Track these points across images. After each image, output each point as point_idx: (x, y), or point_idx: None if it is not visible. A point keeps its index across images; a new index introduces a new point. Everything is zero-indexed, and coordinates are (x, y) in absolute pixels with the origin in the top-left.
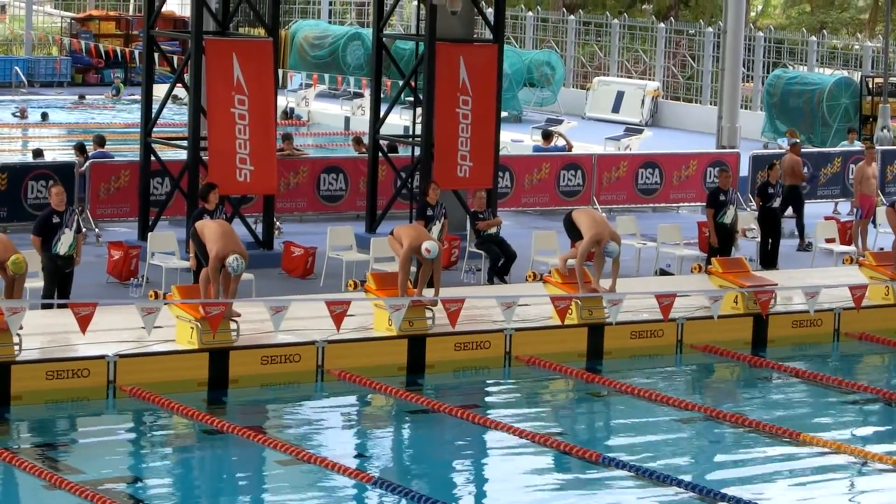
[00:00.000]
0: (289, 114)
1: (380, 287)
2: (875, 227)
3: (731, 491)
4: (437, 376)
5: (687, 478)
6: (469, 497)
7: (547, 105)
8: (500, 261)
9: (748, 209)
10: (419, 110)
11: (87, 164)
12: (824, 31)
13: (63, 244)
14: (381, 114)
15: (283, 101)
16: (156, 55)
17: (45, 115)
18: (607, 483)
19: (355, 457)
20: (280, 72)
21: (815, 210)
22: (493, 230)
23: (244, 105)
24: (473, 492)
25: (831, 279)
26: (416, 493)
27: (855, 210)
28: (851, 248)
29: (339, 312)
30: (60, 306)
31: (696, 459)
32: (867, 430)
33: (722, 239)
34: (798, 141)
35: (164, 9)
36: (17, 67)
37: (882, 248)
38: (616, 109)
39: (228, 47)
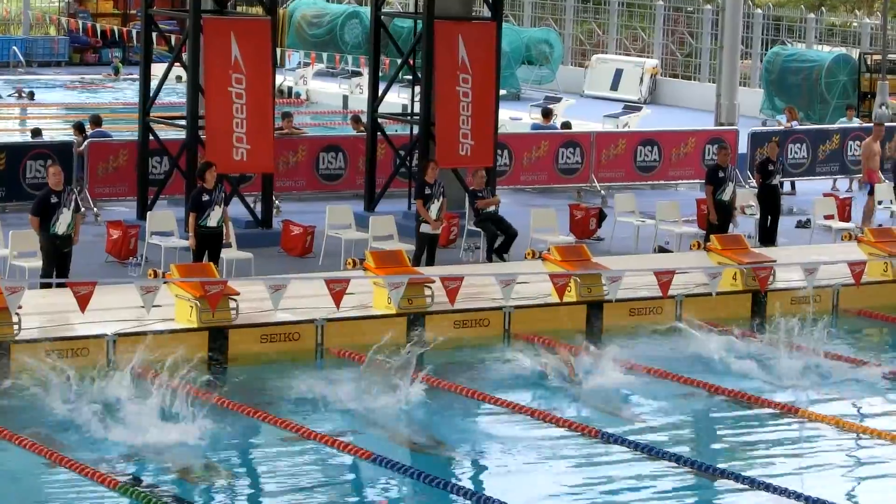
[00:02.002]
0: (287, 93)
1: (379, 265)
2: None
3: (729, 465)
4: (436, 353)
5: (686, 452)
6: (468, 473)
7: (545, 83)
8: (499, 239)
9: (747, 186)
10: (418, 89)
11: (85, 143)
12: (822, 8)
13: (61, 224)
14: (380, 92)
15: (281, 80)
16: (154, 34)
17: (31, 95)
18: (606, 458)
19: (354, 434)
20: (278, 50)
21: (813, 187)
22: (491, 208)
23: (242, 84)
24: (473, 469)
25: (830, 256)
26: (414, 469)
27: (864, 185)
28: (850, 224)
29: (338, 290)
30: (59, 286)
31: (695, 434)
32: (865, 405)
33: (721, 216)
34: None
35: None
36: (14, 47)
37: (881, 225)
38: (614, 87)
39: (226, 26)
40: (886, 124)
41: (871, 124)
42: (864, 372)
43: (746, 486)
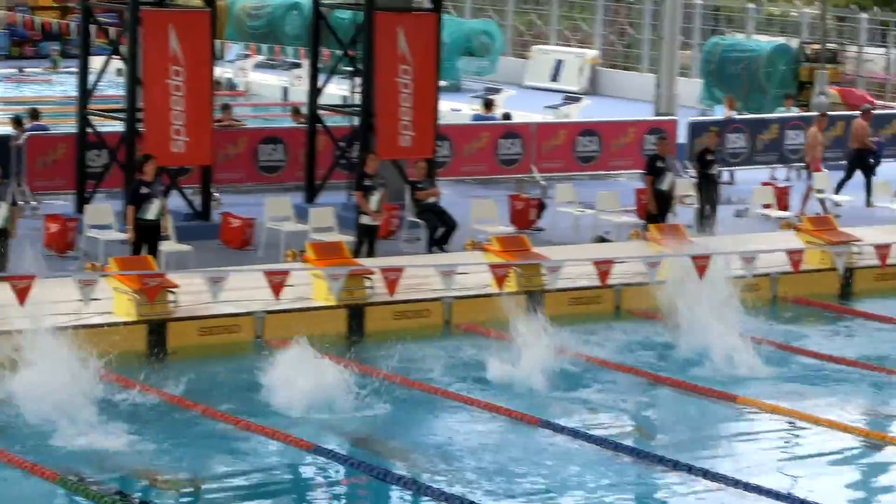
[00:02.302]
0: (226, 85)
1: (318, 257)
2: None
3: (668, 453)
4: (375, 345)
5: (628, 442)
6: (412, 463)
7: (486, 74)
8: (439, 230)
9: (686, 176)
10: (358, 80)
11: (23, 136)
12: None
13: None
14: (320, 84)
15: (220, 72)
16: (92, 27)
17: None
18: (547, 447)
19: (295, 425)
20: (217, 42)
21: (751, 176)
22: (432, 199)
23: (180, 76)
24: (417, 458)
25: (768, 244)
26: (355, 460)
27: (806, 174)
28: (788, 213)
29: (277, 282)
30: None
31: (635, 422)
32: (804, 393)
33: (660, 205)
34: (870, 107)
35: None
36: None
37: (818, 213)
38: (555, 78)
39: (165, 18)
40: (829, 113)
41: (810, 114)
42: (804, 360)
43: (685, 473)
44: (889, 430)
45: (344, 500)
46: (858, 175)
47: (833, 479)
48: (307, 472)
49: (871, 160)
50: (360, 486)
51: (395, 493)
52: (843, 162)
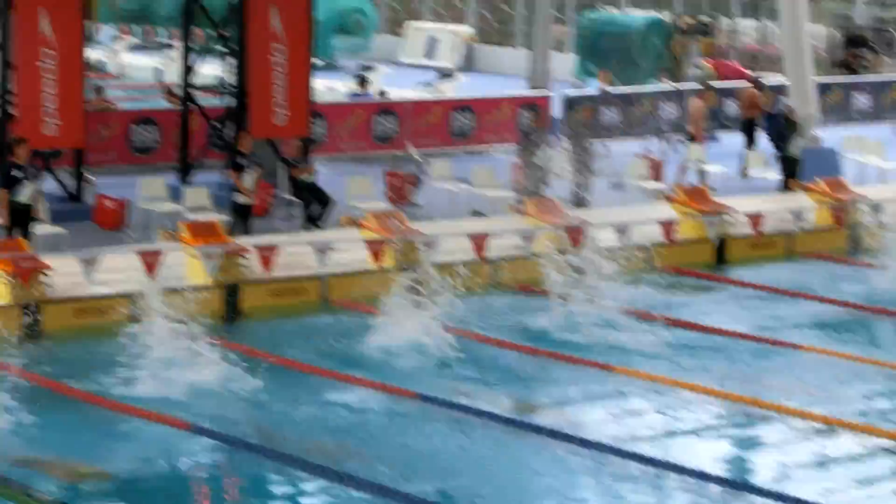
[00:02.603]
0: (98, 67)
1: (194, 236)
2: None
3: (550, 424)
4: (253, 323)
5: (497, 411)
6: (291, 441)
7: (360, 52)
8: (315, 207)
9: (560, 150)
10: (231, 60)
11: None
12: None
13: None
14: (193, 64)
15: (92, 54)
16: None
17: None
18: (424, 419)
19: (173, 405)
20: (89, 25)
21: (626, 149)
22: (307, 177)
23: (52, 59)
24: (299, 436)
25: (643, 215)
26: (234, 437)
27: (684, 144)
28: (663, 184)
29: (151, 262)
30: None
31: (511, 393)
32: (680, 362)
33: (534, 179)
34: (760, 78)
35: None
36: None
37: (692, 184)
38: (429, 55)
39: (36, 1)
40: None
41: (684, 86)
42: (675, 330)
43: (563, 442)
44: (763, 397)
45: (222, 481)
46: (731, 145)
47: (710, 446)
48: (185, 453)
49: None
50: (238, 467)
51: (274, 472)
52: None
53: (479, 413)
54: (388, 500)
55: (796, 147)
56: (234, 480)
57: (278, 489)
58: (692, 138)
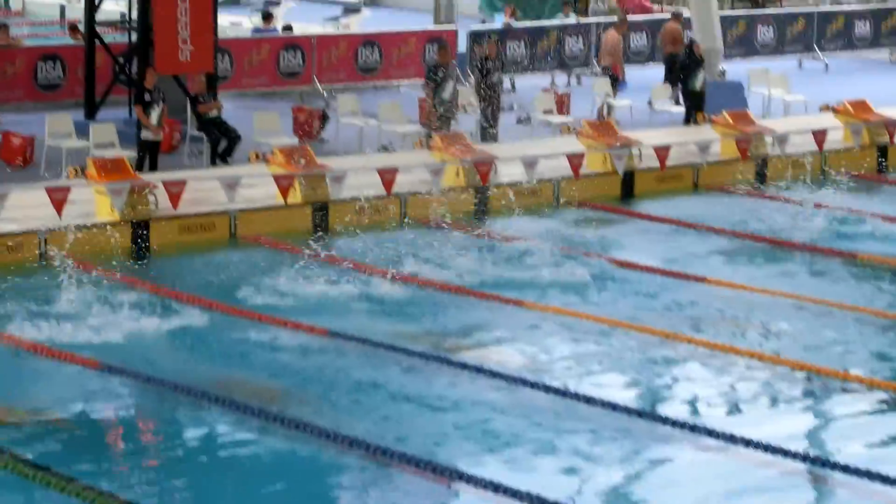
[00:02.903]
0: (2, 4)
1: (101, 173)
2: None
3: (462, 357)
4: (162, 260)
5: (417, 347)
6: (207, 379)
7: None
8: (222, 143)
9: (467, 84)
10: None
11: None
12: None
13: None
14: (97, 1)
15: None
16: None
17: None
18: (332, 352)
19: (84, 346)
20: None
21: (531, 83)
22: (213, 113)
23: None
24: (211, 373)
25: (550, 149)
26: (141, 374)
27: (602, 76)
28: (569, 118)
29: (59, 199)
30: None
31: (417, 327)
32: (589, 295)
33: (442, 114)
34: (679, 12)
35: None
36: None
37: (606, 116)
38: None
39: None
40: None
41: (588, 20)
42: (586, 262)
43: (473, 373)
44: (672, 329)
45: (135, 420)
46: (636, 79)
47: (620, 378)
48: (98, 392)
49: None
50: (151, 405)
51: (188, 410)
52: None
53: (392, 348)
54: (305, 434)
55: (701, 80)
56: (147, 420)
57: (192, 427)
58: (608, 70)
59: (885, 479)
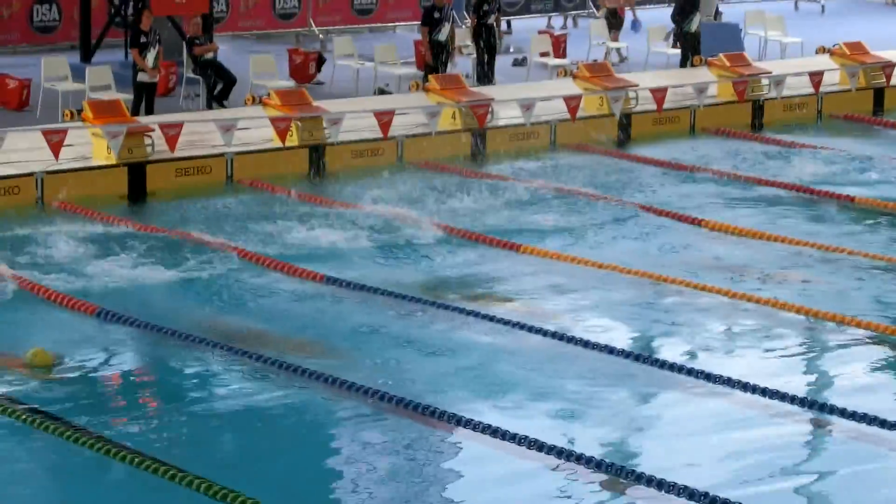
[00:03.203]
0: None
1: (97, 116)
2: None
3: (452, 301)
4: (159, 203)
5: (414, 293)
6: (194, 317)
7: None
8: (218, 85)
9: (463, 26)
10: None
11: None
12: None
13: None
14: None
15: None
16: None
17: None
18: (329, 298)
19: (81, 289)
20: None
21: (527, 25)
22: (209, 55)
23: None
24: (209, 317)
25: (546, 92)
26: (139, 320)
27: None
28: (565, 60)
29: (55, 142)
30: None
31: (413, 271)
32: (587, 238)
33: (438, 56)
34: None
35: None
36: None
37: (596, 60)
38: None
39: None
40: None
41: None
42: (581, 203)
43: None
44: (666, 271)
45: (134, 366)
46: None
47: (617, 322)
48: (96, 338)
49: None
50: (152, 351)
51: (188, 355)
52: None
53: (389, 294)
54: (302, 378)
55: (696, 23)
56: (144, 365)
57: (188, 372)
58: (613, 13)
59: (883, 423)
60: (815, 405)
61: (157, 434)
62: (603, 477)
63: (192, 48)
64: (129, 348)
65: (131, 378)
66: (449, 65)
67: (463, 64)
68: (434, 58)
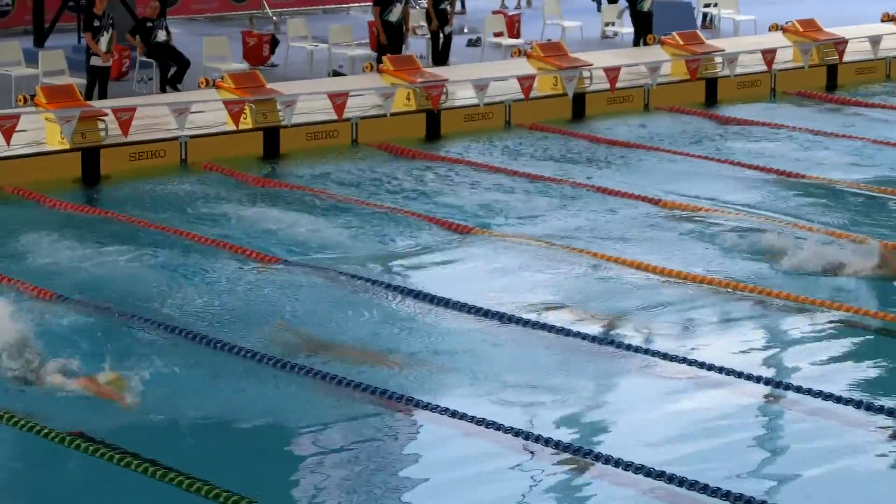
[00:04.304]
0: None
1: (50, 100)
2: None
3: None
4: (113, 187)
5: (369, 273)
6: (158, 303)
7: None
8: (172, 69)
9: (417, 7)
10: None
11: None
12: None
13: None
14: None
15: None
16: None
17: None
18: (286, 276)
19: (37, 276)
20: None
21: (482, 5)
22: (162, 38)
23: None
24: (161, 299)
25: (501, 72)
26: (94, 304)
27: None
28: (519, 40)
29: (8, 127)
30: None
31: (365, 250)
32: (537, 218)
33: (392, 37)
34: None
35: None
36: None
37: (550, 40)
38: None
39: None
40: None
41: None
42: (540, 184)
43: (428, 303)
44: (623, 252)
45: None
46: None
47: (572, 303)
48: (51, 323)
49: None
50: (107, 334)
51: (141, 338)
52: None
53: (344, 274)
54: (257, 363)
55: (649, 2)
56: (98, 349)
57: (144, 353)
58: None
59: (838, 399)
60: (772, 382)
61: (105, 419)
62: (561, 456)
63: (138, 32)
64: (80, 331)
65: (85, 361)
66: (403, 46)
67: (417, 44)
68: (386, 38)
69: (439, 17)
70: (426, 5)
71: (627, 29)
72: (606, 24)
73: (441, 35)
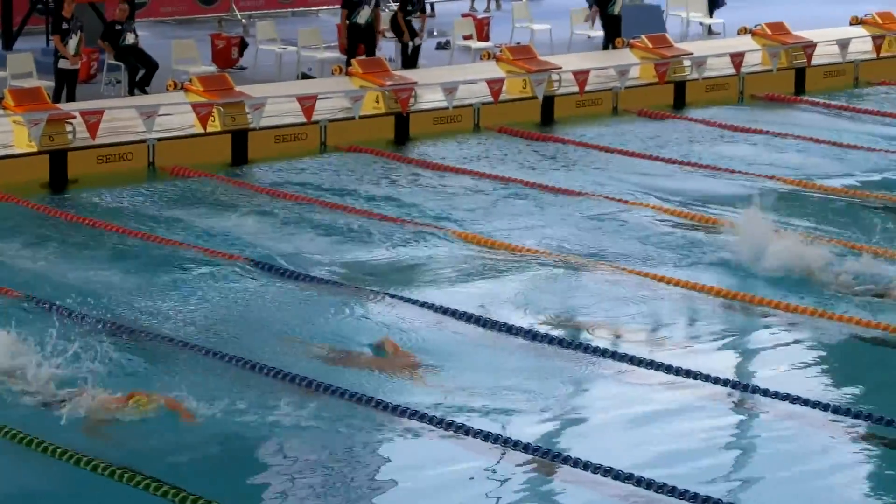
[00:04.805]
0: None
1: (18, 103)
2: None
3: (388, 284)
4: (81, 191)
5: (339, 277)
6: (128, 307)
7: None
8: (140, 72)
9: (387, 9)
10: None
11: None
12: None
13: None
14: None
15: None
16: None
17: None
18: (251, 279)
19: (3, 278)
20: None
21: (451, 8)
22: (130, 40)
23: None
24: (130, 302)
25: (470, 75)
26: (64, 307)
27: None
28: (489, 43)
29: None
30: None
31: (345, 255)
32: (504, 219)
33: (363, 39)
34: None
35: None
36: None
37: (519, 43)
38: None
39: None
40: None
41: None
42: (507, 186)
43: (398, 306)
44: (591, 253)
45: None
46: (554, 3)
47: (540, 306)
48: (22, 322)
49: None
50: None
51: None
52: None
53: (314, 278)
54: (231, 366)
55: (619, 5)
56: (68, 355)
57: (113, 360)
58: None
59: (805, 402)
60: (739, 385)
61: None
62: (532, 459)
63: (107, 36)
64: (49, 335)
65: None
66: (373, 48)
67: (386, 47)
68: (349, 41)
69: (410, 29)
70: (398, 19)
71: (597, 32)
72: (577, 27)
73: (411, 45)
